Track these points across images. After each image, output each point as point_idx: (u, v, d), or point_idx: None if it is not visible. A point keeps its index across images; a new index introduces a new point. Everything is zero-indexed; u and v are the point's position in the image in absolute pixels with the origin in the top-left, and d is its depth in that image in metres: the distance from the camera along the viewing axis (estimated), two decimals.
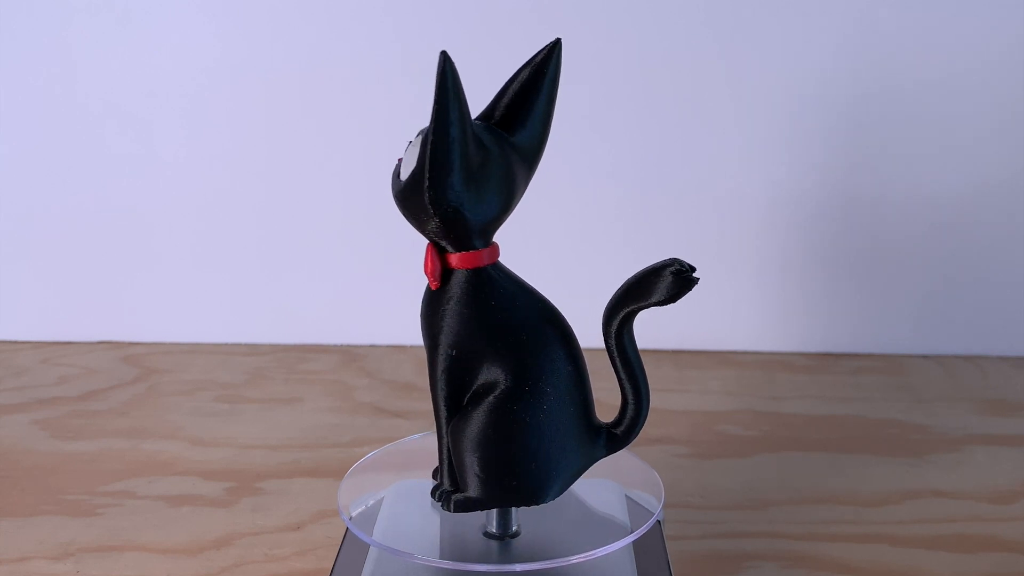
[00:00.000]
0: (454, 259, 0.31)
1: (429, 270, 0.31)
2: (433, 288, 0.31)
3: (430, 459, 0.34)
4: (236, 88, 0.63)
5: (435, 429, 0.33)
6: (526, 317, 0.31)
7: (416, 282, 0.66)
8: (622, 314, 0.32)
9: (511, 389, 0.31)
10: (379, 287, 0.66)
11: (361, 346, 0.68)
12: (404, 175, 0.30)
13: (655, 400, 0.58)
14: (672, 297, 0.30)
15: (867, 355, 0.66)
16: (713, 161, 0.63)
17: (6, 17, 0.62)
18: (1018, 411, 0.57)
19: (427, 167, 0.29)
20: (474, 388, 0.31)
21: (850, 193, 0.63)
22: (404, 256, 0.65)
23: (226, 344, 0.68)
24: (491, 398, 0.31)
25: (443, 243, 0.31)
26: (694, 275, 0.30)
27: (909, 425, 0.55)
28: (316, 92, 0.63)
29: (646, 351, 0.66)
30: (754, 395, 0.59)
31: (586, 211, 0.65)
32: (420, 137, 0.30)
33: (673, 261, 0.30)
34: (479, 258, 0.31)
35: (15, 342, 0.69)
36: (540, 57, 0.31)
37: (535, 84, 0.31)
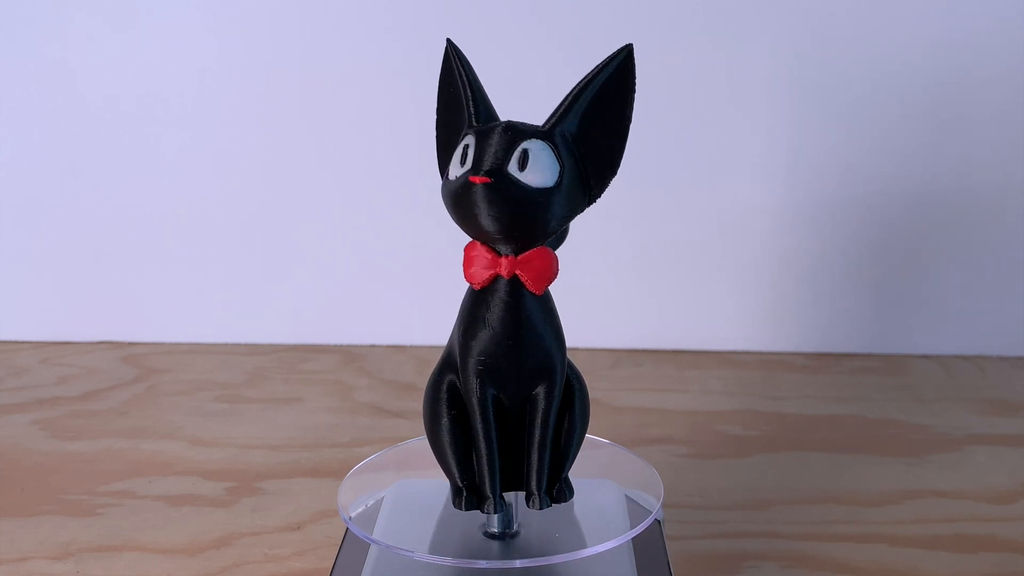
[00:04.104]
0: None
1: (554, 272, 0.29)
2: (541, 292, 0.29)
3: (430, 460, 0.33)
4: (236, 88, 0.63)
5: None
6: None
7: (415, 283, 0.65)
8: None
9: (571, 369, 0.31)
10: (379, 287, 0.66)
11: (361, 346, 0.68)
12: (546, 176, 0.28)
13: (656, 400, 0.59)
14: None
15: (867, 355, 0.66)
16: (713, 161, 0.63)
17: (6, 17, 0.62)
18: (1018, 411, 0.57)
19: (616, 166, 0.29)
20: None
21: (849, 193, 0.63)
22: (404, 256, 0.66)
23: (226, 344, 0.68)
24: (574, 387, 0.31)
25: (510, 247, 0.29)
26: None
27: (909, 425, 0.55)
28: (316, 92, 0.63)
29: (646, 351, 0.66)
30: (754, 395, 0.59)
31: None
32: (543, 138, 0.28)
33: None
34: None
35: (15, 342, 0.69)
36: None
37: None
